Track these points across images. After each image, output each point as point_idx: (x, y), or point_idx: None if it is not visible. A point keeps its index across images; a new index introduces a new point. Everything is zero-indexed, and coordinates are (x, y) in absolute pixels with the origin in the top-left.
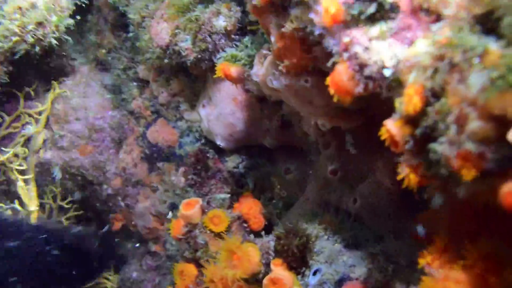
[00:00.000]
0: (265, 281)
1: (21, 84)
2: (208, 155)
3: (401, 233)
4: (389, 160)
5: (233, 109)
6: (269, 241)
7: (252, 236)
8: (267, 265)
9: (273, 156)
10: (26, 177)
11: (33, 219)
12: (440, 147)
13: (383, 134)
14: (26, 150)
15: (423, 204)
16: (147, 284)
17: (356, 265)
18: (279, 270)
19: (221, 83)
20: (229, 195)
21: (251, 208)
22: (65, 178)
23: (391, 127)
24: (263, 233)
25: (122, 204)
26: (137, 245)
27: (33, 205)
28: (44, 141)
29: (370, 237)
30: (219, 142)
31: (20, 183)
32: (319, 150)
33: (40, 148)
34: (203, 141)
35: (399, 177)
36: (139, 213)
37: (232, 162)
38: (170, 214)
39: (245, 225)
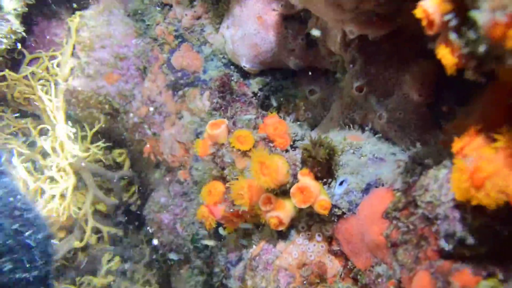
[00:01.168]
0: (292, 189)
1: (45, 10)
2: (232, 78)
3: (428, 144)
4: (417, 72)
5: (258, 29)
6: (296, 154)
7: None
8: (294, 176)
9: (297, 78)
10: (55, 100)
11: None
12: (481, 15)
13: (418, 14)
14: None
15: (451, 115)
16: (175, 209)
17: (382, 173)
18: (306, 179)
19: (245, 1)
20: (254, 116)
21: (276, 128)
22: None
23: (428, 6)
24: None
25: (149, 132)
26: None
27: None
28: (72, 69)
29: (396, 151)
30: (244, 64)
31: (48, 105)
32: (344, 69)
33: (69, 76)
34: (227, 64)
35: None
36: (165, 140)
37: (257, 85)
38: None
39: (271, 144)
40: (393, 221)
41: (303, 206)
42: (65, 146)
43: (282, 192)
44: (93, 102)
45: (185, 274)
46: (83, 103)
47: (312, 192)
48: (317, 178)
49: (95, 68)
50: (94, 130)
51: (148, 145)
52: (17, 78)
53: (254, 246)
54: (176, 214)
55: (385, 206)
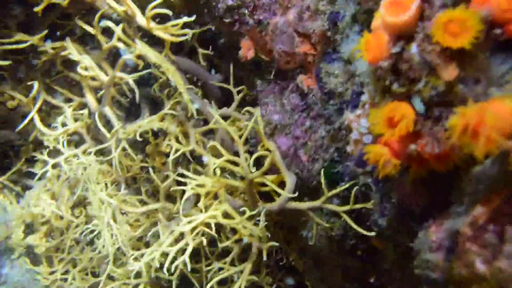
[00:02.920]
0: None
1: None
2: None
3: None
4: None
5: None
6: None
7: None
8: None
9: None
10: None
11: None
12: None
13: None
14: None
15: None
16: (295, 129)
17: None
18: None
19: None
20: None
21: None
22: None
23: None
24: None
25: (251, 20)
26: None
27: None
28: None
29: None
30: None
31: None
32: None
33: None
34: None
35: None
36: (277, 32)
37: None
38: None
39: (497, 32)
40: None
41: None
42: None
43: None
44: None
45: (313, 214)
46: None
47: None
48: None
49: None
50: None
51: (247, 39)
52: None
53: (478, 208)
54: (297, 137)
55: None
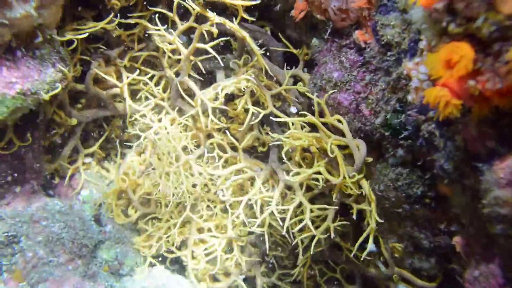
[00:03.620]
0: None
1: None
2: None
3: None
4: None
5: None
6: None
7: None
8: None
9: None
10: None
11: None
12: None
13: None
14: None
15: None
16: (355, 85)
17: None
18: None
19: None
20: None
21: None
22: None
23: None
24: None
25: None
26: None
27: None
28: None
29: None
30: None
31: None
32: None
33: None
34: None
35: None
36: None
37: None
38: None
39: None
40: None
41: None
42: None
43: None
44: None
45: (378, 166)
46: None
47: None
48: None
49: None
50: None
51: (302, 0)
52: None
53: None
54: (358, 93)
55: None
